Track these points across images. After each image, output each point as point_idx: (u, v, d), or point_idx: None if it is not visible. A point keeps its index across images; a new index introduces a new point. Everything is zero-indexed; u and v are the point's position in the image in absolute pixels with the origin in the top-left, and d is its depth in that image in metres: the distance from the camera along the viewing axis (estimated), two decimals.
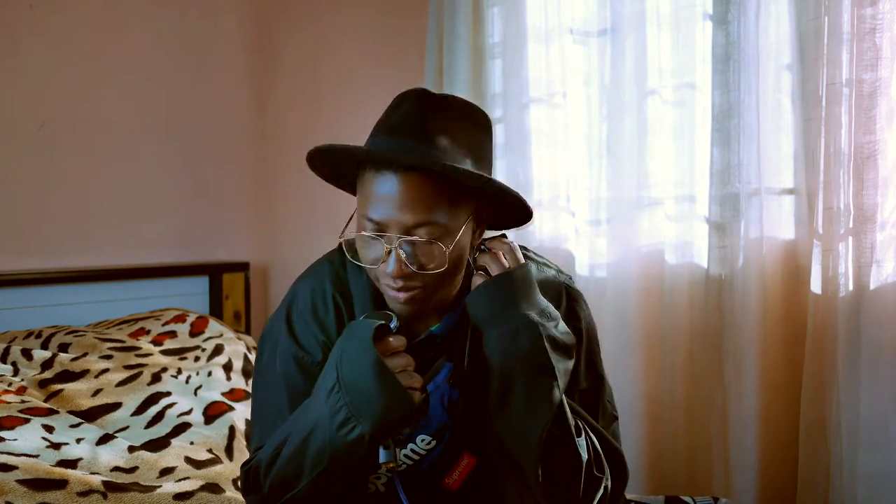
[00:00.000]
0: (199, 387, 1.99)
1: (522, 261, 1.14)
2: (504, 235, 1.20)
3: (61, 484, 1.46)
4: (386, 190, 1.04)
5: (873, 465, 1.80)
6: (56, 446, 1.63)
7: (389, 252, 1.06)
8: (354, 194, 1.13)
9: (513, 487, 1.11)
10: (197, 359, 2.13)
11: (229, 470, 1.68)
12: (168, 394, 1.94)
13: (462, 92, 2.36)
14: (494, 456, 1.12)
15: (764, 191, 1.98)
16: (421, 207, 1.04)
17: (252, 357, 2.19)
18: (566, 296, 1.22)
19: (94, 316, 2.47)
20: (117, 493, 1.47)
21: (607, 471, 1.14)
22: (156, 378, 1.99)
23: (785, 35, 1.98)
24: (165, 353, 2.14)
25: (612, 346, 2.14)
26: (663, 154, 2.14)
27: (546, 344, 1.07)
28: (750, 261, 1.97)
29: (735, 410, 1.98)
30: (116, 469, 1.61)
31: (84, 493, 1.45)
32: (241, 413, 1.91)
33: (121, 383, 1.95)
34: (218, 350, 2.18)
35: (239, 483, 1.41)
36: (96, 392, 1.91)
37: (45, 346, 2.12)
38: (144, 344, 2.16)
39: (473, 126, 1.12)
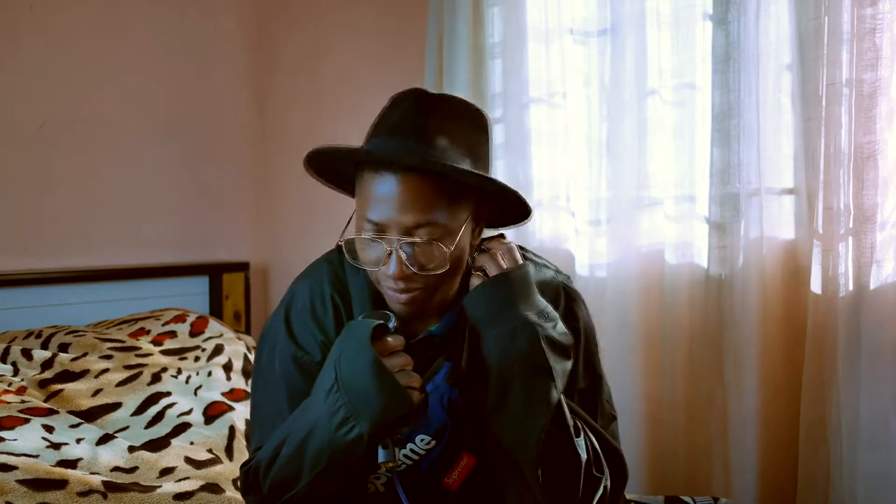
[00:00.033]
0: (199, 387, 1.99)
1: (521, 261, 1.14)
2: (502, 235, 1.20)
3: (61, 484, 1.46)
4: (385, 191, 1.04)
5: (873, 465, 1.80)
6: (56, 446, 1.63)
7: (390, 253, 1.06)
8: (353, 196, 1.13)
9: (512, 487, 1.11)
10: (197, 359, 2.13)
11: (229, 470, 1.68)
12: (168, 394, 1.94)
13: (462, 92, 2.36)
14: (494, 456, 1.12)
15: (764, 191, 1.98)
16: (421, 208, 1.04)
17: (252, 357, 2.19)
18: (564, 296, 1.22)
19: (94, 316, 2.47)
20: (117, 493, 1.47)
21: (606, 471, 1.14)
22: (156, 378, 1.99)
23: (785, 35, 1.98)
24: (165, 353, 2.14)
25: (612, 346, 2.14)
26: (663, 154, 2.14)
27: (544, 344, 1.07)
28: (750, 261, 1.97)
29: (735, 410, 1.98)
30: (116, 469, 1.61)
31: (84, 494, 1.45)
32: (241, 413, 1.91)
33: (121, 383, 1.95)
34: (218, 350, 2.18)
35: (238, 483, 1.41)
36: (96, 392, 1.91)
37: (45, 346, 2.12)
38: (144, 344, 2.16)
39: (471, 125, 1.12)
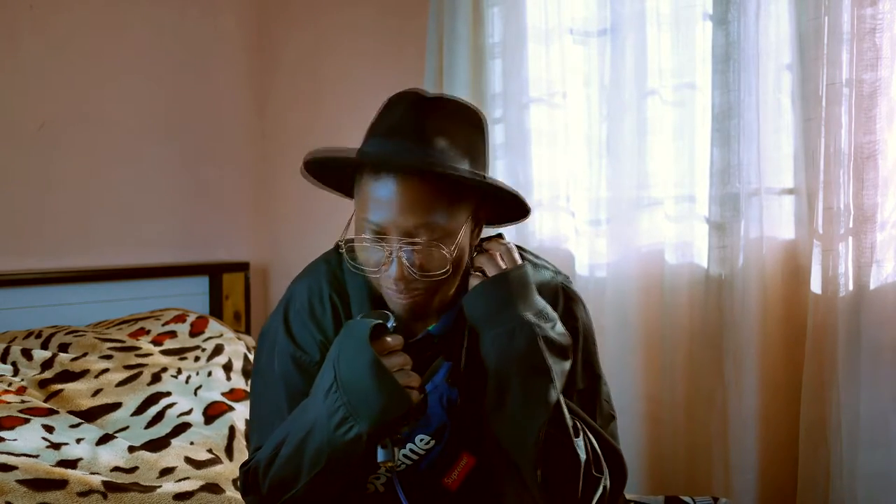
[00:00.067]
0: (199, 387, 1.99)
1: (519, 261, 1.14)
2: (501, 235, 1.20)
3: (61, 484, 1.46)
4: (385, 193, 1.04)
5: (873, 465, 1.80)
6: (56, 446, 1.63)
7: (390, 256, 1.05)
8: (351, 197, 1.13)
9: (512, 487, 1.11)
10: (197, 359, 2.13)
11: (229, 470, 1.67)
12: (168, 394, 1.94)
13: (462, 92, 2.36)
14: (493, 456, 1.12)
15: (764, 191, 1.97)
16: (421, 210, 1.04)
17: (252, 357, 2.19)
18: (563, 296, 1.22)
19: (94, 316, 2.47)
20: (117, 494, 1.47)
21: (606, 470, 1.14)
22: (156, 378, 1.99)
23: (785, 35, 1.98)
24: (165, 353, 2.14)
25: (612, 346, 2.14)
26: (663, 154, 2.14)
27: (542, 345, 1.07)
28: (750, 261, 1.97)
29: (735, 410, 1.98)
30: (116, 469, 1.61)
31: (84, 494, 1.45)
32: (241, 413, 1.91)
33: (121, 383, 1.95)
34: (218, 350, 2.18)
35: (238, 483, 1.41)
36: (96, 392, 1.91)
37: (45, 346, 2.12)
38: (144, 344, 2.16)
39: (469, 125, 1.12)
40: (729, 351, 1.99)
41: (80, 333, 2.17)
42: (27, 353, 2.03)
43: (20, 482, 1.44)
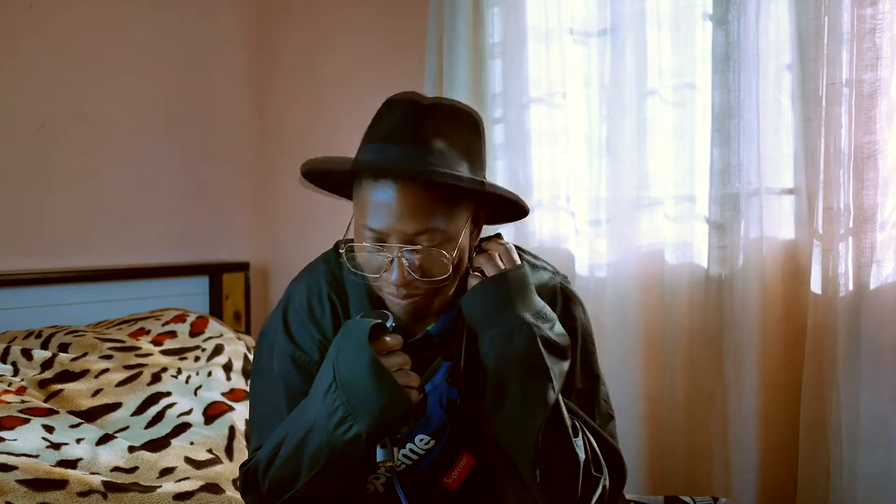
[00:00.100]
0: (199, 387, 2.00)
1: (518, 262, 1.14)
2: (500, 235, 1.20)
3: (61, 484, 1.46)
4: (385, 198, 1.04)
5: (873, 465, 1.80)
6: (56, 446, 1.63)
7: (391, 261, 1.05)
8: (351, 199, 1.13)
9: (511, 487, 1.11)
10: (197, 359, 2.13)
11: (229, 470, 1.68)
12: (168, 394, 1.94)
13: (462, 92, 2.37)
14: (493, 456, 1.12)
15: (764, 191, 1.98)
16: (421, 215, 1.03)
17: (252, 357, 2.19)
18: (561, 296, 1.22)
19: (94, 316, 2.47)
20: (117, 494, 1.47)
21: (605, 470, 1.14)
22: (156, 378, 1.99)
23: (785, 35, 1.98)
24: (165, 353, 2.14)
25: (612, 346, 2.14)
26: (663, 154, 2.14)
27: (541, 345, 1.07)
28: (750, 261, 1.97)
29: (735, 410, 1.98)
30: (116, 469, 1.61)
31: (84, 494, 1.45)
32: (241, 413, 1.91)
33: (121, 383, 1.95)
34: (218, 350, 2.18)
35: (238, 483, 1.41)
36: (96, 392, 1.91)
37: (45, 346, 2.12)
38: (144, 344, 2.16)
39: (466, 127, 1.12)
40: (729, 351, 1.99)
41: (80, 333, 2.17)
42: (27, 353, 2.03)
43: (20, 482, 1.44)
